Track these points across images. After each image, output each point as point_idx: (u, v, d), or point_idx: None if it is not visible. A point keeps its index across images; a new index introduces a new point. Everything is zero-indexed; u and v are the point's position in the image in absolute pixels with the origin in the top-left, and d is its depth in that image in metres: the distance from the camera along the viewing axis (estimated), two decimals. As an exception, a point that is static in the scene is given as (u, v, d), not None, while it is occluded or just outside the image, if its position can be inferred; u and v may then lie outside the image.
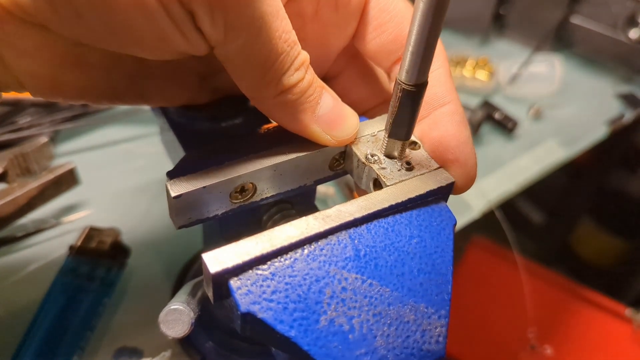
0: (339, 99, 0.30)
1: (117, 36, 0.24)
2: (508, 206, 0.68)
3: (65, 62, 0.27)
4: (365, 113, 0.37)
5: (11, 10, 0.23)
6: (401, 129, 0.28)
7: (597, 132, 0.79)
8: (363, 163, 0.30)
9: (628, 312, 1.01)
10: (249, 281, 0.24)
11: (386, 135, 0.29)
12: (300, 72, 0.27)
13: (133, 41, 0.25)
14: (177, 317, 0.29)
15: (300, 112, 0.28)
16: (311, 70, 0.28)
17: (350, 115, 0.30)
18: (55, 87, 0.28)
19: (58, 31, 0.24)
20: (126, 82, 0.30)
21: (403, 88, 0.26)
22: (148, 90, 0.32)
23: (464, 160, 0.29)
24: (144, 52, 0.26)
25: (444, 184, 0.29)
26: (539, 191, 1.27)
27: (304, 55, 0.27)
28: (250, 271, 0.24)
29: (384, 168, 0.29)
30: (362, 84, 0.37)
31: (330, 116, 0.29)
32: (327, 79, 0.37)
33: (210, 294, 0.24)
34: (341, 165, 0.32)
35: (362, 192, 0.31)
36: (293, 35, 0.26)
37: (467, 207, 0.62)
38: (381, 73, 0.37)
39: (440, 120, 0.30)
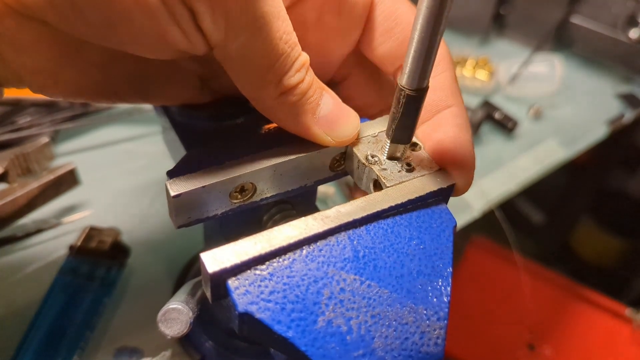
0: (340, 100, 0.30)
1: (117, 33, 0.24)
2: (508, 206, 0.68)
3: (64, 58, 0.27)
4: (372, 117, 0.37)
5: (11, 4, 0.23)
6: (402, 132, 0.28)
7: (597, 132, 0.79)
8: (363, 164, 0.30)
9: (628, 312, 1.01)
10: (247, 281, 0.24)
11: (387, 139, 0.29)
12: (301, 73, 0.27)
13: (132, 38, 0.25)
14: (176, 316, 0.29)
15: (301, 114, 0.28)
16: (311, 72, 0.28)
17: (350, 116, 0.30)
18: (55, 84, 0.28)
19: (57, 26, 0.24)
20: (126, 80, 0.30)
21: (404, 92, 0.26)
22: (148, 89, 0.32)
23: (463, 163, 0.29)
24: (143, 50, 0.26)
25: (444, 185, 0.29)
26: (539, 191, 1.26)
27: (305, 57, 0.27)
28: (249, 271, 0.24)
29: (384, 169, 0.29)
30: (369, 88, 0.37)
31: (330, 117, 0.29)
32: (333, 83, 0.37)
33: (208, 294, 0.24)
34: (341, 166, 0.32)
35: (360, 193, 0.31)
36: (294, 37, 0.26)
37: (467, 207, 0.62)
38: (388, 77, 0.37)
39: (442, 123, 0.30)
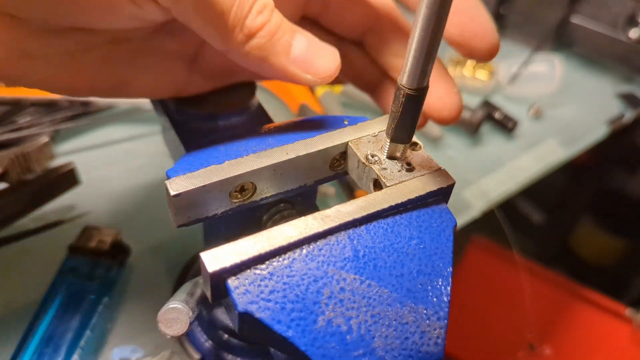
0: (315, 38, 0.30)
1: (65, 6, 0.24)
2: (508, 206, 0.68)
3: (29, 49, 0.27)
4: (364, 36, 0.37)
5: None
6: (402, 131, 0.28)
7: (597, 132, 0.79)
8: (363, 163, 0.30)
9: (628, 312, 1.01)
10: (246, 280, 0.24)
11: (387, 139, 0.29)
12: (264, 15, 0.27)
13: (80, 11, 0.25)
14: (176, 316, 0.29)
15: (273, 55, 0.28)
16: (278, 13, 0.28)
17: (328, 49, 0.30)
18: (22, 76, 0.28)
19: (15, 14, 0.24)
20: (99, 69, 0.30)
21: (404, 92, 0.26)
22: (127, 78, 0.31)
23: (488, 37, 0.32)
24: (94, 22, 0.26)
25: (444, 185, 0.29)
26: (539, 191, 1.26)
27: None
28: (248, 270, 0.24)
29: (384, 169, 0.29)
30: (347, 12, 0.36)
31: (306, 55, 0.29)
32: (311, 19, 0.37)
33: (208, 293, 0.24)
34: (341, 166, 0.32)
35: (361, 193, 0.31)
36: None
37: (467, 207, 0.62)
38: None
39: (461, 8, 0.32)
